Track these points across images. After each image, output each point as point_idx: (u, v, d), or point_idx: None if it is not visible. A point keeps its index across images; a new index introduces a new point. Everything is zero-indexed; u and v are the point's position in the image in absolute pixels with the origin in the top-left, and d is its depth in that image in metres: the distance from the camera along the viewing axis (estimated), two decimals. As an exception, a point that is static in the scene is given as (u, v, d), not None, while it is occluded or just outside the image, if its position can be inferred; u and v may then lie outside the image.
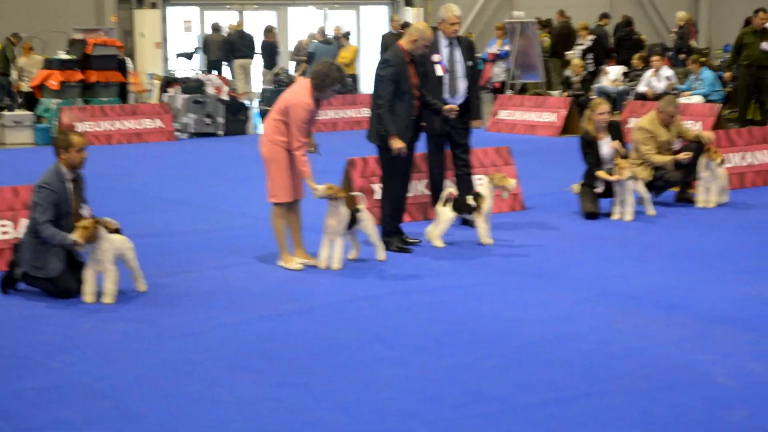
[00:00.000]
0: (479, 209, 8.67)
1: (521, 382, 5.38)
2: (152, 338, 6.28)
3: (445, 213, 8.66)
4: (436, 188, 9.56)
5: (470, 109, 9.43)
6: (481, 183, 9.33)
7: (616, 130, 9.99)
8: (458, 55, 9.41)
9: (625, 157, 9.86)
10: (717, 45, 27.58)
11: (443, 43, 9.33)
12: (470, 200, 8.72)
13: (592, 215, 9.84)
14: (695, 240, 8.93)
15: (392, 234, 8.59)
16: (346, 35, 22.35)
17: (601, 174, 9.79)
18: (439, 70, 9.07)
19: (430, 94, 8.74)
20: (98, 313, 6.85)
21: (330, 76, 7.85)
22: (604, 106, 9.94)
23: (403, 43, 8.49)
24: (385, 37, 20.62)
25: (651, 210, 9.90)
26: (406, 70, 8.39)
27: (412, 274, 7.81)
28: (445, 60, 9.27)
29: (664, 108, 10.49)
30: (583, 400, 5.10)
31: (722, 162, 10.30)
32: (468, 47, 9.54)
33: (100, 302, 7.03)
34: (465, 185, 9.40)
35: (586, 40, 20.52)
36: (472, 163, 9.75)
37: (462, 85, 9.40)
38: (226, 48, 22.70)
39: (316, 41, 21.43)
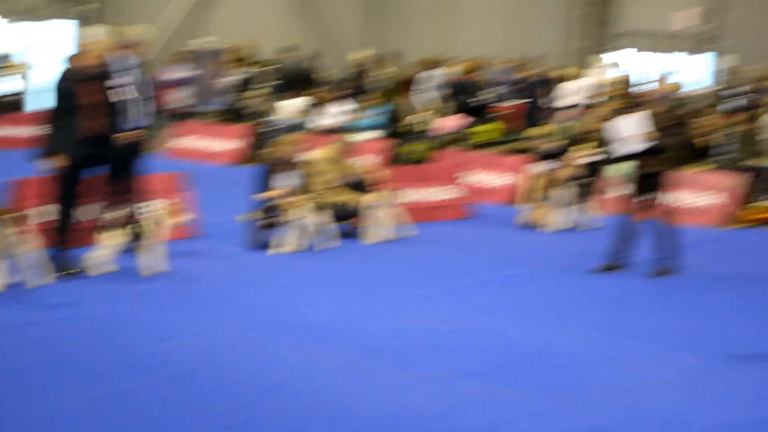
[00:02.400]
0: (149, 236, 8.57)
1: (180, 414, 5.37)
2: None
3: (113, 238, 8.51)
4: (105, 212, 9.36)
5: (145, 134, 9.34)
6: (151, 211, 9.24)
7: (297, 165, 10.32)
8: (135, 78, 9.29)
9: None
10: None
11: (121, 65, 9.18)
12: (140, 227, 8.61)
13: (264, 244, 10.03)
14: (359, 271, 9.33)
15: (62, 259, 8.31)
16: (4, 57, 21.22)
17: (262, 195, 10.04)
18: (115, 94, 8.93)
19: (106, 118, 8.59)
20: None
21: None
22: (292, 141, 10.25)
23: (78, 60, 8.38)
24: (71, 57, 19.89)
25: (326, 243, 10.23)
26: (77, 87, 8.25)
27: (70, 300, 7.59)
28: (123, 83, 9.11)
29: (341, 142, 10.96)
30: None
31: (382, 201, 10.84)
32: (145, 70, 9.45)
33: None
34: (133, 211, 9.27)
35: (243, 70, 20.79)
36: (146, 189, 9.63)
37: (138, 109, 9.28)
38: None
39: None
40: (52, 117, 8.34)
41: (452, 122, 18.34)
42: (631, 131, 9.36)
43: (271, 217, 10.13)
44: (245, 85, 20.74)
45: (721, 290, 9.17)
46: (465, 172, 13.61)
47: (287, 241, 10.01)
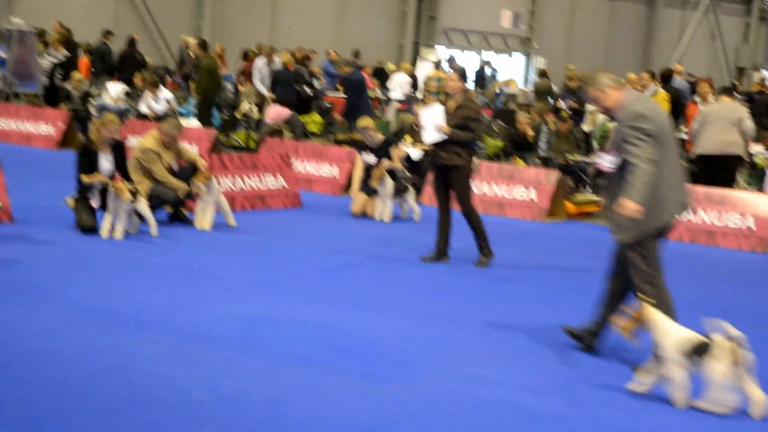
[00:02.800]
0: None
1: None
2: None
3: None
4: None
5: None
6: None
7: (120, 149, 9.99)
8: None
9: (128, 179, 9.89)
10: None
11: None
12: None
13: (88, 229, 9.68)
14: (186, 259, 9.11)
15: None
16: None
17: (86, 177, 9.70)
18: None
19: None
20: None
21: None
22: (115, 123, 9.93)
23: None
24: None
25: (154, 230, 9.95)
26: None
27: None
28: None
29: (168, 130, 10.70)
30: (34, 424, 4.94)
31: (210, 182, 10.62)
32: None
33: None
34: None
35: (59, 53, 20.03)
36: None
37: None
38: None
39: None
40: None
41: (280, 111, 18.24)
42: (430, 123, 9.51)
43: (92, 202, 9.77)
44: (62, 68, 19.97)
45: (531, 280, 9.40)
46: (293, 161, 13.55)
47: (109, 227, 9.67)
